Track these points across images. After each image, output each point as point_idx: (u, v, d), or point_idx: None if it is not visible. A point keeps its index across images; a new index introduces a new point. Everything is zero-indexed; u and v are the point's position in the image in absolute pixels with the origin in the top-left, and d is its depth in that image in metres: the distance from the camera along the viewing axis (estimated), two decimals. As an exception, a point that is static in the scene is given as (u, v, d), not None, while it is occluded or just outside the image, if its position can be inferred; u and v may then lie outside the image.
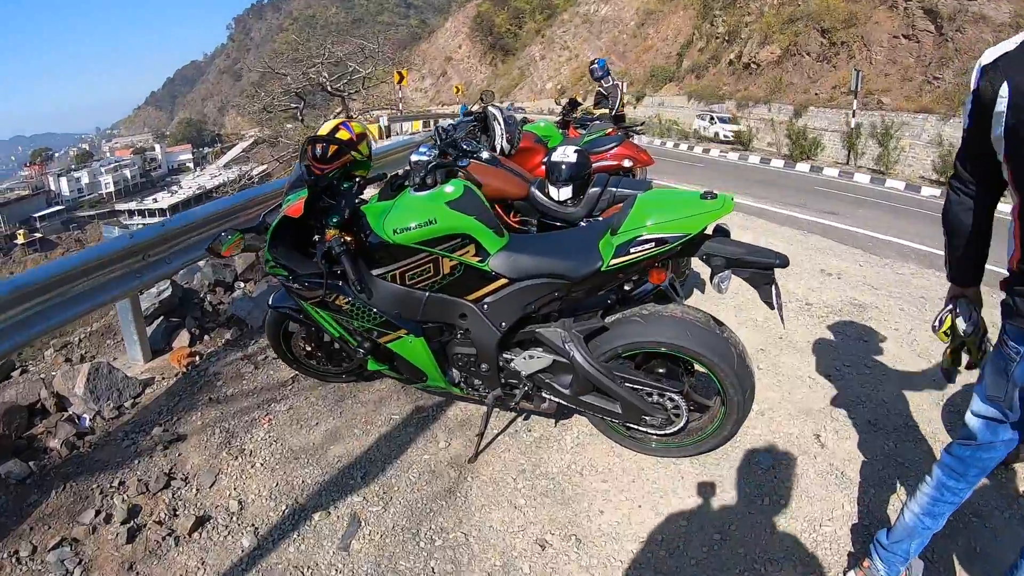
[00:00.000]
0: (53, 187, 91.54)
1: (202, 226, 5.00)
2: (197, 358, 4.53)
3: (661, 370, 2.95)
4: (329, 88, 37.23)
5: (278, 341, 3.79)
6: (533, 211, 4.77)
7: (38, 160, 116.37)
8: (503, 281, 2.81)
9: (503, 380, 3.08)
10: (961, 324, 2.08)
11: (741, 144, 24.64)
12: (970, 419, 1.98)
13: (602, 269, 2.59)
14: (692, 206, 2.53)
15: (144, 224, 6.38)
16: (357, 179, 3.17)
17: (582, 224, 4.58)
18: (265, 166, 32.97)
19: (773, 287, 2.59)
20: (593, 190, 4.55)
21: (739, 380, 2.72)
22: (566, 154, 4.63)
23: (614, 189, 4.50)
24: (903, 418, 3.46)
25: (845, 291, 5.46)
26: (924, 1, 26.64)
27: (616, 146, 6.40)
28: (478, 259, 2.80)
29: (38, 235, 67.96)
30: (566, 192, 4.59)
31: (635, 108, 49.75)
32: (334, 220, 2.79)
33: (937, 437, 3.30)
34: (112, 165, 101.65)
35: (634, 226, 2.56)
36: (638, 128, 9.88)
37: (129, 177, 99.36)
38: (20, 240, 64.53)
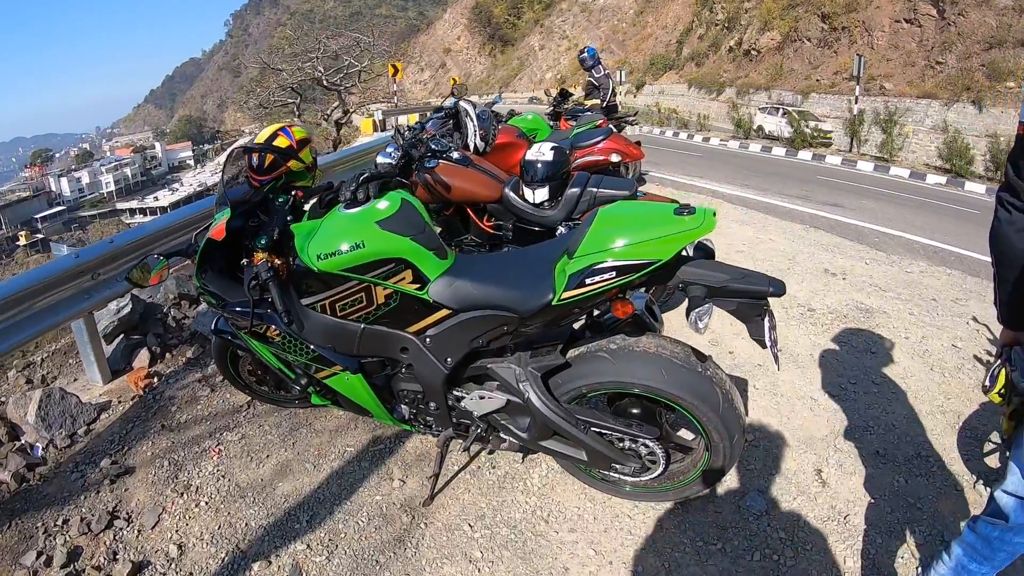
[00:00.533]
0: (54, 188, 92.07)
1: (153, 242, 4.66)
2: (155, 379, 4.24)
3: (635, 410, 2.54)
4: (325, 82, 37.20)
5: (226, 366, 3.48)
6: (508, 214, 4.43)
7: (38, 161, 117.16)
8: (445, 312, 2.43)
9: (454, 420, 2.69)
10: (1020, 380, 1.65)
11: (742, 132, 24.20)
12: (1002, 497, 1.62)
13: (553, 303, 2.18)
14: (663, 224, 2.09)
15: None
16: (293, 193, 2.77)
17: (560, 230, 4.25)
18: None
19: (766, 320, 2.15)
20: (572, 191, 4.19)
21: (724, 425, 2.30)
22: (541, 152, 4.30)
23: (595, 189, 4.15)
24: (915, 446, 3.10)
25: (850, 294, 5.09)
26: (926, -16, 26.20)
27: (603, 140, 6.05)
28: (416, 286, 2.40)
29: (40, 236, 67.89)
30: (542, 194, 4.26)
31: (635, 96, 49.59)
32: (261, 242, 2.43)
33: (952, 468, 2.94)
34: (112, 164, 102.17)
35: (592, 249, 2.13)
36: (631, 119, 9.52)
37: (130, 176, 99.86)
38: (22, 242, 64.49)
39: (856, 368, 3.85)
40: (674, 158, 15.81)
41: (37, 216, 76.33)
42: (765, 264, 5.84)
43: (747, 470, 2.95)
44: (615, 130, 8.54)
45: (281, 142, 2.89)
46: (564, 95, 10.36)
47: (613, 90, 9.62)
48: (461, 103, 5.40)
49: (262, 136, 2.95)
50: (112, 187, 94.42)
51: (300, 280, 2.51)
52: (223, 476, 3.16)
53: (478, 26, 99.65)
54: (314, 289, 2.50)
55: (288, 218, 2.60)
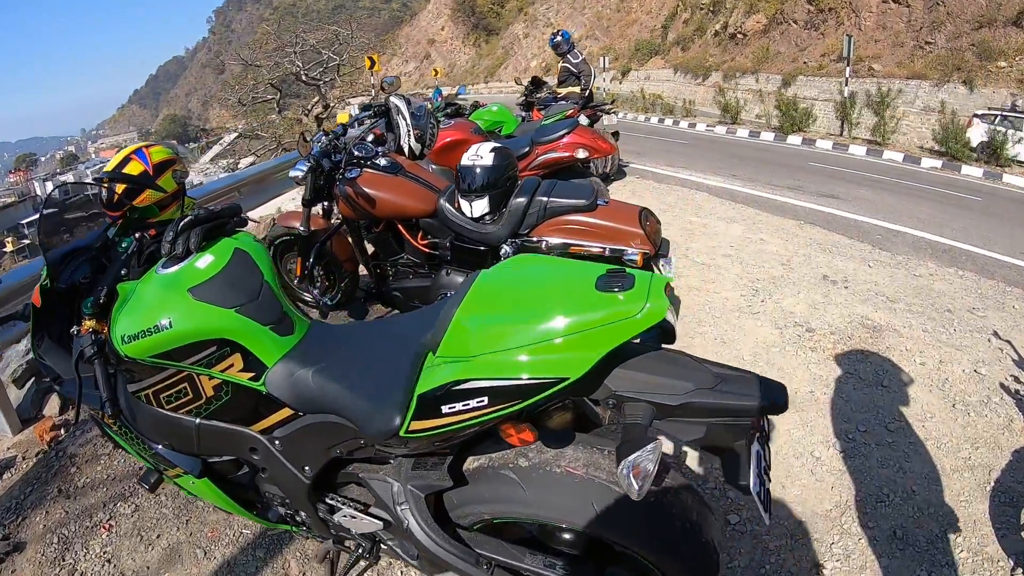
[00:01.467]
0: (39, 192, 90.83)
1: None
2: (62, 430, 3.66)
3: (565, 538, 1.70)
4: (304, 78, 36.70)
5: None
6: (445, 230, 3.82)
7: (22, 166, 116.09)
8: (288, 411, 1.72)
9: (333, 532, 2.01)
10: None
11: (729, 117, 23.51)
12: None
13: (401, 433, 1.46)
14: (578, 307, 1.30)
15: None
16: (141, 234, 2.03)
17: (504, 250, 3.64)
18: (252, 159, 31.94)
19: (753, 450, 1.36)
20: (517, 201, 3.58)
21: (689, 571, 1.51)
22: (478, 155, 3.66)
23: (545, 199, 3.55)
24: (939, 520, 2.51)
25: (854, 306, 4.49)
26: (914, -38, 25.66)
27: (567, 134, 5.45)
28: (249, 376, 1.70)
29: (27, 242, 67.06)
30: (481, 206, 3.64)
31: (620, 83, 49.17)
32: (87, 306, 1.76)
33: (986, 551, 2.35)
34: (97, 166, 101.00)
35: (453, 351, 1.42)
36: (607, 107, 8.90)
37: None
38: (9, 248, 63.47)
39: (866, 409, 3.26)
40: (658, 146, 15.10)
41: (23, 221, 74.95)
42: (755, 269, 5.24)
43: (728, 570, 2.33)
44: (584, 121, 7.97)
45: (133, 168, 2.32)
46: (537, 83, 9.74)
47: (592, 76, 9.00)
48: (392, 99, 4.77)
49: (112, 162, 2.38)
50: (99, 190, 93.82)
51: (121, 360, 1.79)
52: (109, 560, 2.65)
53: (461, 16, 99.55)
54: (136, 374, 1.82)
55: (123, 271, 1.90)
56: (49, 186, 75.20)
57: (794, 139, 18.15)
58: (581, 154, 5.35)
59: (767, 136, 18.89)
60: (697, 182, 9.16)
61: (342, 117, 19.59)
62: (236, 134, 43.86)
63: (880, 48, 25.77)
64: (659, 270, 3.52)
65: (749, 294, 4.70)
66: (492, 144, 3.74)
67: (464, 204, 3.65)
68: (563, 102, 8.55)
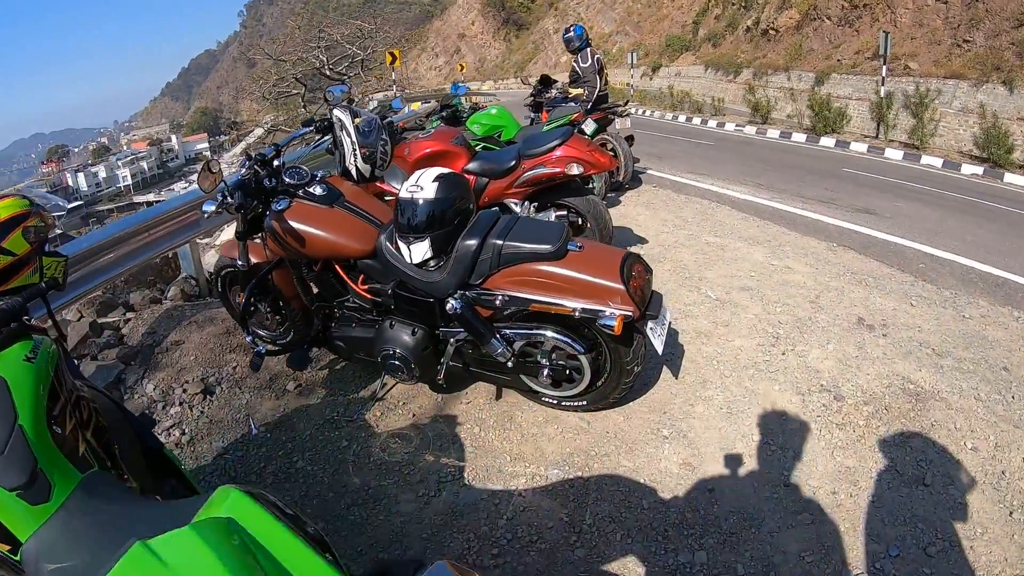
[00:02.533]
0: (71, 183, 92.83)
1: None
2: None
3: None
4: (327, 72, 36.62)
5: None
6: (387, 274, 3.19)
7: (55, 157, 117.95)
8: None
9: None
10: None
11: (759, 117, 22.57)
12: None
13: None
14: None
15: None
16: None
17: (451, 305, 3.00)
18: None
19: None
20: (466, 244, 2.94)
21: None
22: (418, 185, 3.02)
23: (499, 242, 2.91)
24: None
25: (894, 362, 3.77)
26: (953, -42, 24.64)
27: (558, 145, 4.78)
28: (6, 548, 1.29)
29: (58, 231, 67.80)
30: (421, 249, 3.02)
31: (651, 80, 48.67)
32: None
33: None
34: (129, 158, 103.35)
35: None
36: (620, 110, 8.22)
37: (146, 169, 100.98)
38: (35, 237, 64.57)
39: (902, 520, 2.57)
40: (682, 149, 14.30)
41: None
42: (778, 308, 4.55)
43: None
44: (591, 126, 7.28)
45: None
46: (546, 83, 9.08)
47: (604, 78, 8.28)
48: (335, 113, 4.14)
49: None
50: (129, 181, 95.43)
51: None
52: None
53: (492, 11, 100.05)
54: None
55: None
56: (81, 177, 76.67)
57: (827, 141, 17.30)
58: (575, 170, 4.69)
59: (799, 137, 18.06)
60: (719, 193, 8.43)
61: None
62: (265, 128, 44.09)
63: (916, 46, 24.84)
64: (646, 337, 2.86)
65: (768, 343, 4.00)
66: (438, 171, 3.08)
67: (403, 246, 3.03)
68: (571, 104, 7.90)
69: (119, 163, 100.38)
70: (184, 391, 3.89)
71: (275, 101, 40.87)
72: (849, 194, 9.02)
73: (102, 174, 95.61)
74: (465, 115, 7.71)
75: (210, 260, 6.27)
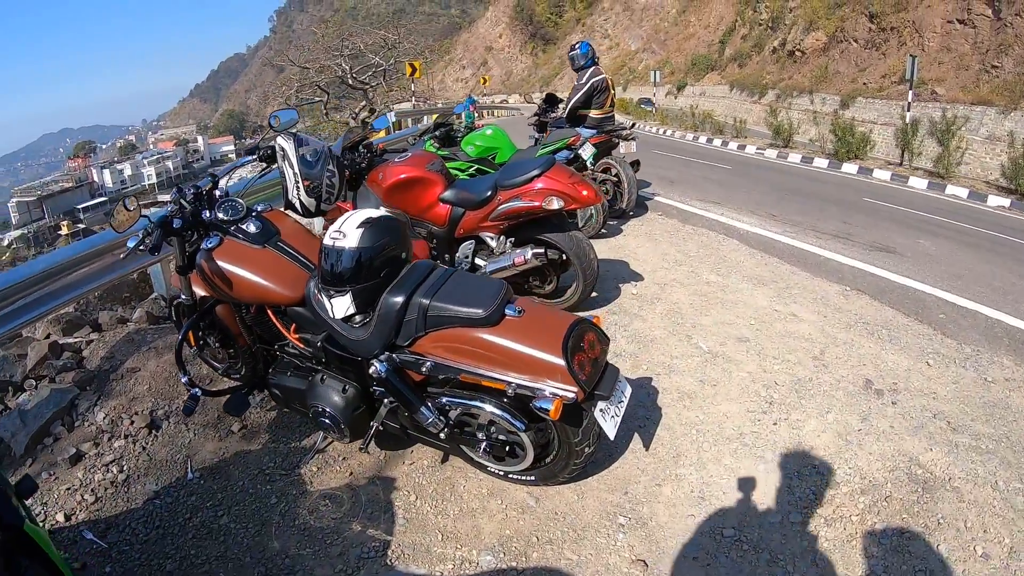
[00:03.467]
0: (96, 179, 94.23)
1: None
2: None
3: None
4: (350, 81, 36.78)
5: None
6: (316, 324, 2.83)
7: (81, 153, 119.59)
8: None
9: None
10: None
11: (781, 140, 21.98)
12: None
13: None
14: None
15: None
16: None
17: (375, 368, 2.64)
18: None
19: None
20: (391, 301, 2.57)
21: None
22: (341, 231, 2.63)
23: (425, 301, 2.54)
24: None
25: (902, 439, 3.28)
26: (981, -17, 24.20)
27: (539, 175, 4.39)
28: None
29: (82, 226, 68.85)
30: (343, 304, 2.66)
31: (676, 98, 48.48)
32: None
33: None
34: (155, 156, 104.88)
35: None
36: (626, 133, 7.81)
37: (171, 168, 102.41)
38: (64, 231, 65.76)
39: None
40: (698, 173, 13.78)
41: (79, 206, 77.56)
42: (776, 364, 4.09)
43: None
44: (589, 151, 6.89)
45: None
46: (551, 101, 8.69)
47: (611, 97, 7.84)
48: (278, 140, 3.78)
49: None
50: (154, 179, 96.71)
51: None
52: None
53: (520, 24, 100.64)
54: None
55: None
56: (107, 173, 78.24)
57: (849, 167, 16.74)
58: (554, 204, 4.29)
59: (820, 163, 17.54)
60: (728, 225, 7.95)
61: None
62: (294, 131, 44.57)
63: (944, 71, 24.49)
64: (597, 421, 2.46)
65: (760, 410, 3.53)
66: (365, 215, 2.69)
67: (325, 298, 2.67)
68: (577, 129, 7.53)
69: (145, 161, 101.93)
70: (132, 423, 3.73)
71: (300, 107, 41.10)
72: (868, 228, 8.50)
73: (127, 171, 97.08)
74: (460, 135, 7.36)
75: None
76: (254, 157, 3.87)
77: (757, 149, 20.57)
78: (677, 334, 4.53)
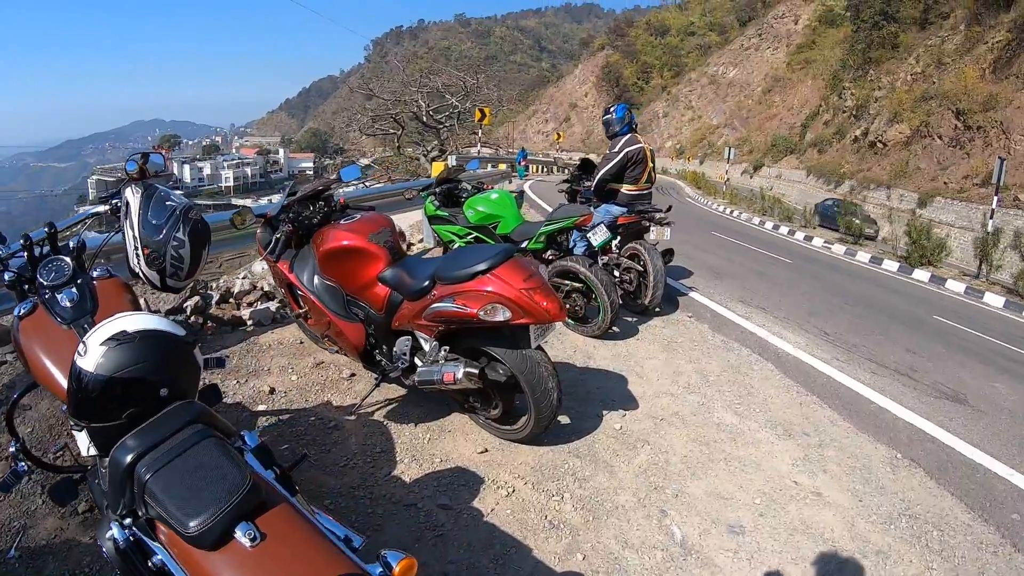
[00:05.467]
0: (176, 172, 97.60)
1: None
2: None
3: None
4: (423, 118, 36.99)
5: None
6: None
7: (166, 145, 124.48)
8: None
9: None
10: None
11: (852, 236, 20.53)
12: None
13: None
14: None
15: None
16: None
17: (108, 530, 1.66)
18: (378, 183, 32.16)
19: None
20: (115, 460, 1.71)
21: None
22: (86, 344, 1.79)
23: (146, 476, 1.67)
24: None
25: None
26: (1078, 84, 22.93)
27: (483, 272, 3.39)
28: None
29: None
30: (83, 440, 2.12)
31: (751, 177, 47.67)
32: None
33: None
34: (235, 161, 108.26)
35: None
36: (660, 216, 6.75)
37: (249, 175, 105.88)
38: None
39: None
40: (752, 265, 12.35)
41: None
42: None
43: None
44: (601, 237, 5.90)
45: None
46: (587, 168, 7.70)
47: (647, 174, 6.80)
48: (125, 191, 2.89)
49: None
50: (231, 182, 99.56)
51: None
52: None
53: (606, 85, 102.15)
54: None
55: None
56: (187, 168, 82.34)
57: (921, 274, 15.36)
58: (498, 315, 3.25)
59: (890, 265, 16.20)
60: (766, 342, 6.56)
61: (437, 168, 18.38)
62: (372, 158, 45.63)
63: (1029, 177, 23.14)
64: None
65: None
66: (125, 323, 1.81)
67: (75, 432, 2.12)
68: (608, 203, 6.58)
69: (225, 164, 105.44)
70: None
71: (371, 137, 41.84)
72: (936, 361, 7.08)
73: (206, 170, 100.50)
74: (465, 195, 6.44)
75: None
76: (105, 208, 3.01)
77: (824, 242, 19.33)
78: (648, 506, 3.41)
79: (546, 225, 5.96)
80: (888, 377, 6.13)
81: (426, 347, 3.69)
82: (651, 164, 6.79)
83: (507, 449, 3.88)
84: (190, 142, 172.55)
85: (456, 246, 4.02)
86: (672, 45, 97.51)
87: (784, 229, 21.95)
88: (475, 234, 6.04)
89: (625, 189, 6.67)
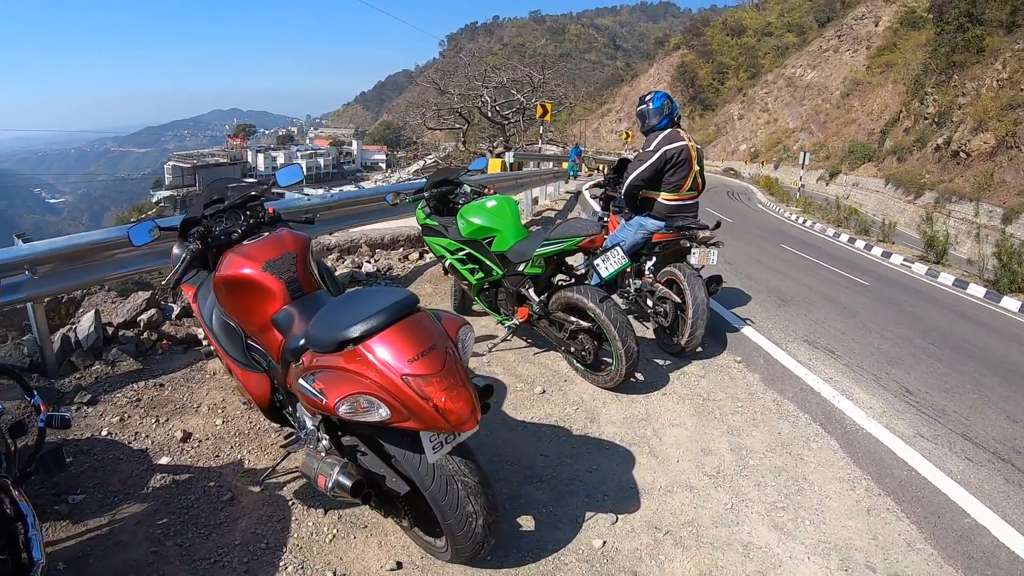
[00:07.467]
0: (250, 160, 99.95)
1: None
2: None
3: None
4: (488, 113, 36.78)
5: None
6: None
7: (242, 133, 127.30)
8: None
9: None
10: None
11: (933, 253, 18.42)
12: None
13: None
14: None
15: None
16: None
17: None
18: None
19: None
20: None
21: None
22: None
23: None
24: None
25: None
26: None
27: (364, 337, 2.29)
28: None
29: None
30: None
31: (827, 184, 45.89)
32: None
33: None
34: (309, 152, 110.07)
35: None
36: (705, 235, 5.50)
37: (322, 165, 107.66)
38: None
39: None
40: (824, 287, 10.69)
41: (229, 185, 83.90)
42: None
43: None
44: (600, 270, 4.73)
45: None
46: (623, 169, 6.38)
47: (698, 174, 5.58)
48: None
49: None
50: (304, 172, 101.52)
51: None
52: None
53: (681, 85, 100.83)
54: None
55: None
56: (260, 157, 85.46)
57: (1010, 302, 13.42)
58: (373, 413, 2.20)
59: (976, 290, 14.42)
60: (831, 406, 4.85)
61: (494, 164, 17.43)
62: (446, 152, 46.26)
63: None
64: None
65: None
66: None
67: None
68: (642, 215, 5.43)
69: (298, 154, 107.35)
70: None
71: (435, 129, 42.42)
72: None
73: (280, 160, 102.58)
74: (463, 201, 5.30)
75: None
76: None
77: (904, 260, 17.60)
78: None
79: (543, 245, 4.60)
80: (986, 467, 4.35)
81: (309, 424, 2.65)
82: (697, 167, 5.54)
83: (429, 568, 2.80)
84: (266, 131, 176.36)
85: (318, 293, 2.83)
86: (748, 45, 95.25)
87: (861, 243, 20.25)
88: (468, 250, 4.93)
89: (663, 198, 5.47)
